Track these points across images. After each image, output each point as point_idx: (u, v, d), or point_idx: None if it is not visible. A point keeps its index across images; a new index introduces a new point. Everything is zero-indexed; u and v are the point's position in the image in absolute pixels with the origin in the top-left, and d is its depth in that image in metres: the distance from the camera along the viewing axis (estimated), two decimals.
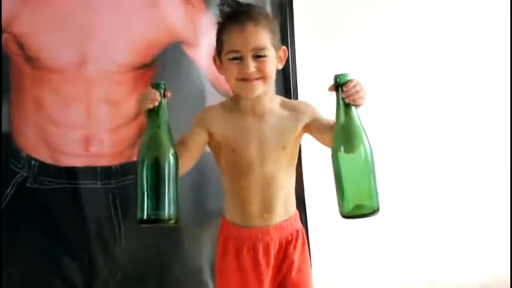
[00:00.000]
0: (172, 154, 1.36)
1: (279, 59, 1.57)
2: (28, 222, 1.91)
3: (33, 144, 1.92)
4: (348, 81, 1.39)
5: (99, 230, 1.95)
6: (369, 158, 1.37)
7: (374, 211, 1.37)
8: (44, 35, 1.90)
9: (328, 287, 2.16)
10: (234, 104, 1.60)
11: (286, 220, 1.63)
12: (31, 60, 1.90)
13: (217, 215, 1.73)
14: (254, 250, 1.60)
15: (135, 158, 1.40)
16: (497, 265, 2.40)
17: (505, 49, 2.36)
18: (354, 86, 1.38)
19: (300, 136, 1.62)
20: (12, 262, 1.90)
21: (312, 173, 2.10)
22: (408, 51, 2.29)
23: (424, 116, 2.32)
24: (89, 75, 1.92)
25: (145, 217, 1.34)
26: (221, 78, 1.62)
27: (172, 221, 1.36)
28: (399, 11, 2.30)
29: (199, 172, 1.83)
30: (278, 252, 1.62)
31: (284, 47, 1.60)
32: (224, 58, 1.53)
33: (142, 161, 1.35)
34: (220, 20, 1.56)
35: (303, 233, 1.67)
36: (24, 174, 1.91)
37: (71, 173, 1.93)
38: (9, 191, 1.91)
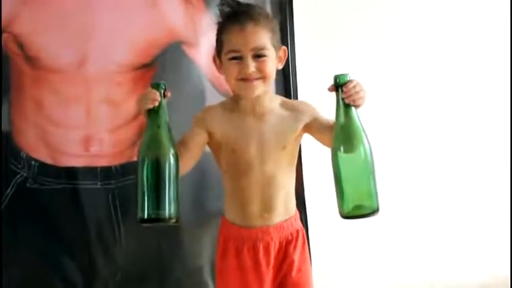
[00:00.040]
0: (172, 154, 1.36)
1: (279, 59, 1.58)
2: (28, 223, 1.91)
3: (33, 144, 1.92)
4: (348, 81, 1.39)
5: (99, 230, 1.94)
6: (369, 158, 1.37)
7: (374, 211, 1.37)
8: (43, 35, 1.90)
9: (328, 287, 2.16)
10: (234, 103, 1.60)
11: (286, 220, 1.63)
12: (31, 60, 1.90)
13: (217, 215, 1.73)
14: (254, 250, 1.60)
15: (135, 159, 1.40)
16: (497, 265, 2.40)
17: (505, 49, 2.36)
18: (354, 87, 1.38)
19: (300, 136, 1.62)
20: (12, 262, 1.90)
21: (312, 173, 2.10)
22: (408, 51, 2.29)
23: (424, 116, 2.31)
24: (89, 75, 1.92)
25: (146, 216, 1.35)
26: (221, 78, 1.62)
27: (172, 220, 1.36)
28: (399, 11, 2.30)
29: (200, 172, 1.83)
30: (278, 252, 1.62)
31: (284, 47, 1.60)
32: (224, 58, 1.53)
33: (143, 161, 1.35)
34: (220, 20, 1.56)
35: (303, 233, 1.67)
36: (24, 174, 1.91)
37: (71, 173, 1.93)
38: (9, 191, 1.90)
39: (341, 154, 1.38)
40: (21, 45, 1.89)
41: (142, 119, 1.42)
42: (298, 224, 1.68)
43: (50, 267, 1.93)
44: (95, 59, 1.93)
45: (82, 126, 1.93)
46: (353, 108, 1.39)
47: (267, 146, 1.57)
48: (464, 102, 2.35)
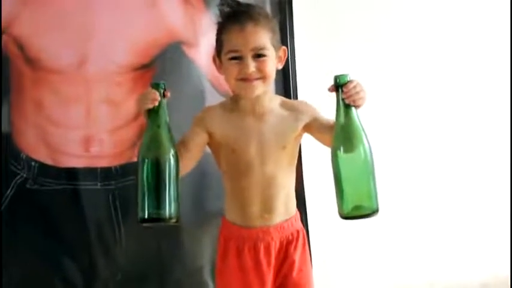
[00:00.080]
0: (172, 154, 1.37)
1: (279, 58, 1.57)
2: (28, 224, 1.90)
3: (33, 145, 1.91)
4: (348, 81, 1.39)
5: (99, 231, 1.94)
6: (369, 158, 1.37)
7: (373, 212, 1.37)
8: (43, 36, 1.90)
9: (329, 287, 2.15)
10: (234, 104, 1.60)
11: (286, 220, 1.63)
12: (31, 61, 1.90)
13: (217, 216, 1.73)
14: (255, 250, 1.60)
15: (135, 159, 1.41)
16: (497, 265, 2.40)
17: (505, 49, 2.36)
18: (354, 87, 1.39)
19: (300, 136, 1.62)
20: (13, 263, 1.90)
21: (312, 173, 2.10)
22: (408, 51, 2.29)
23: (423, 116, 2.32)
24: (89, 76, 1.92)
25: (146, 216, 1.35)
26: (221, 78, 1.62)
27: (173, 220, 1.36)
28: (399, 11, 2.30)
29: (200, 172, 1.82)
30: (279, 252, 1.62)
31: (284, 47, 1.60)
32: (224, 58, 1.53)
33: (143, 161, 1.36)
34: (220, 20, 1.56)
35: (303, 233, 1.67)
36: (24, 175, 1.91)
37: (71, 174, 1.93)
38: (9, 192, 1.90)
39: (341, 154, 1.38)
40: (21, 47, 1.89)
41: (143, 119, 1.42)
42: (299, 224, 1.67)
43: (50, 268, 1.93)
44: (95, 60, 1.93)
45: (82, 127, 1.93)
46: (353, 108, 1.39)
47: (267, 146, 1.57)
48: (464, 102, 2.35)
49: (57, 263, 1.92)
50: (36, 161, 1.91)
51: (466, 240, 2.38)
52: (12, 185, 1.90)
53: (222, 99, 1.74)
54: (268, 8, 2.03)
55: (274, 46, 1.53)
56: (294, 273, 1.62)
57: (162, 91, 1.39)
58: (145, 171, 1.35)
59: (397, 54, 2.28)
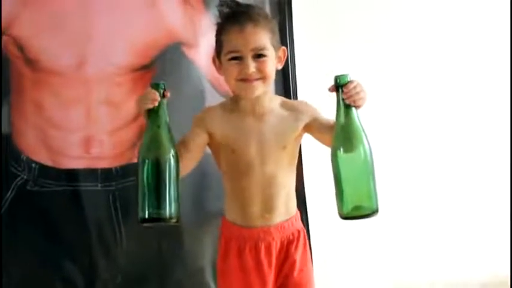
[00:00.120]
0: (172, 154, 1.37)
1: (279, 59, 1.57)
2: (28, 225, 1.91)
3: (34, 146, 1.92)
4: (348, 82, 1.39)
5: (100, 232, 1.94)
6: (369, 159, 1.38)
7: (373, 212, 1.37)
8: (43, 37, 1.91)
9: (330, 287, 2.16)
10: (234, 104, 1.60)
11: (287, 220, 1.63)
12: (31, 63, 1.90)
13: (217, 216, 1.72)
14: (256, 250, 1.59)
15: (135, 160, 1.41)
16: (497, 264, 2.39)
17: (505, 49, 2.36)
18: (354, 87, 1.39)
19: (300, 136, 1.62)
20: (13, 264, 1.90)
21: (313, 173, 2.10)
22: (408, 51, 2.29)
23: (423, 116, 2.31)
24: (89, 77, 1.92)
25: (146, 216, 1.35)
26: (221, 78, 1.62)
27: (173, 220, 1.36)
28: (399, 12, 2.30)
29: (200, 173, 1.83)
30: (280, 251, 1.61)
31: (283, 47, 1.60)
32: (224, 59, 1.53)
33: (143, 161, 1.36)
34: (219, 20, 1.56)
35: (304, 232, 1.67)
36: (25, 177, 1.91)
37: (72, 175, 1.93)
38: (10, 194, 1.90)
39: (341, 154, 1.38)
40: (21, 48, 1.90)
41: (143, 120, 1.42)
42: (299, 224, 1.67)
43: (51, 269, 1.93)
44: (95, 61, 1.93)
45: (82, 128, 1.93)
46: (353, 108, 1.39)
47: (267, 146, 1.57)
48: (464, 102, 2.35)
49: (57, 264, 1.93)
50: (36, 163, 1.92)
51: (466, 240, 2.37)
52: (12, 187, 1.91)
53: (222, 99, 1.75)
54: (267, 9, 2.04)
55: (274, 46, 1.53)
56: (295, 273, 1.62)
57: (162, 91, 1.39)
58: (145, 172, 1.35)
59: (397, 54, 2.28)
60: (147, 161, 1.36)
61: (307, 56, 2.13)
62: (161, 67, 1.97)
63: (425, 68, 2.31)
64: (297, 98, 2.08)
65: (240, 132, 1.57)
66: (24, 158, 1.91)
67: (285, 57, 1.61)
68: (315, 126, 1.58)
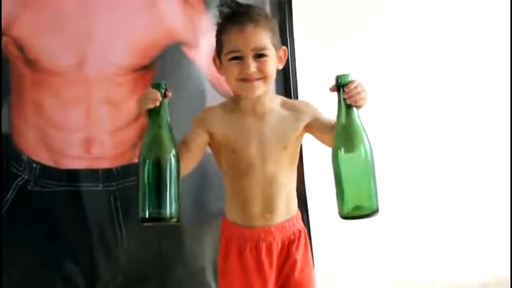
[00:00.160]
0: (173, 154, 1.37)
1: (279, 58, 1.57)
2: (29, 225, 1.90)
3: (34, 147, 1.91)
4: (350, 82, 1.39)
5: (101, 232, 1.94)
6: (369, 159, 1.38)
7: (373, 212, 1.37)
8: (43, 38, 1.90)
9: (331, 287, 2.16)
10: (234, 104, 1.60)
11: (288, 220, 1.63)
12: (31, 63, 1.90)
13: (218, 216, 1.72)
14: (257, 250, 1.59)
15: (136, 160, 1.41)
16: (497, 264, 2.40)
17: (505, 49, 2.36)
18: (356, 87, 1.39)
19: (301, 136, 1.62)
20: (14, 264, 1.89)
21: (314, 173, 2.10)
22: (408, 51, 2.30)
23: (424, 116, 2.32)
24: (89, 77, 1.92)
25: (147, 216, 1.35)
26: (221, 78, 1.62)
27: (173, 220, 1.36)
28: (399, 11, 2.30)
29: (200, 173, 1.83)
30: (281, 251, 1.61)
31: (284, 47, 1.60)
32: (224, 59, 1.53)
33: (144, 161, 1.36)
34: (219, 20, 1.56)
35: (305, 233, 1.67)
36: (26, 177, 1.91)
37: (72, 175, 1.93)
38: (11, 194, 1.90)
39: (342, 154, 1.38)
40: (21, 48, 1.90)
41: (143, 120, 1.42)
42: (300, 224, 1.67)
43: (52, 269, 1.92)
44: (95, 61, 1.93)
45: (83, 128, 1.93)
46: (354, 108, 1.39)
47: (267, 146, 1.57)
48: (464, 102, 2.35)
49: (58, 264, 1.92)
50: (37, 163, 1.91)
51: (466, 240, 2.38)
52: (13, 187, 1.90)
53: (222, 99, 1.74)
54: (267, 8, 2.04)
55: (274, 46, 1.53)
56: (296, 273, 1.62)
57: (163, 91, 1.39)
58: (146, 171, 1.35)
59: (398, 54, 2.28)
60: (148, 160, 1.36)
61: (308, 56, 2.13)
62: (161, 67, 1.97)
63: (426, 68, 2.32)
64: (297, 98, 2.08)
65: (241, 132, 1.57)
66: (25, 158, 1.91)
67: (286, 57, 1.61)
68: (315, 126, 1.58)
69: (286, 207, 1.62)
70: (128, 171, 1.94)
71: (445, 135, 2.34)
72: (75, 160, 1.93)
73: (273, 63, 1.53)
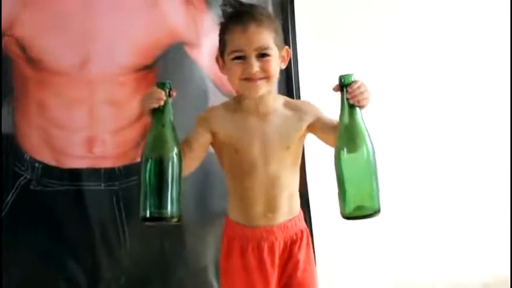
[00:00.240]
0: (176, 153, 1.36)
1: (282, 58, 1.57)
2: (32, 225, 1.90)
3: (37, 146, 1.91)
4: (353, 82, 1.39)
5: (103, 231, 1.94)
6: (371, 159, 1.38)
7: (375, 212, 1.37)
8: (45, 37, 1.90)
9: (333, 287, 2.16)
10: (237, 104, 1.60)
11: (290, 220, 1.63)
12: (33, 63, 1.90)
13: (220, 215, 1.72)
14: (259, 249, 1.59)
15: (138, 160, 1.41)
16: (498, 264, 2.40)
17: (505, 49, 2.37)
18: (359, 87, 1.39)
19: (304, 136, 1.62)
20: (15, 264, 1.89)
21: (316, 173, 2.10)
22: (410, 51, 2.30)
23: (425, 116, 2.32)
24: (91, 77, 1.92)
25: (148, 215, 1.35)
26: (224, 78, 1.62)
27: (175, 220, 1.36)
28: (403, 11, 2.31)
29: (203, 172, 1.82)
30: (283, 251, 1.62)
31: (287, 47, 1.60)
32: (227, 58, 1.53)
33: (147, 160, 1.36)
34: (222, 20, 1.56)
35: (307, 233, 1.67)
36: (28, 176, 1.91)
37: (75, 174, 1.93)
38: (13, 193, 1.90)
39: (344, 154, 1.38)
40: (23, 48, 1.89)
41: (146, 119, 1.42)
42: (303, 224, 1.67)
43: (54, 269, 1.92)
44: (97, 61, 1.93)
45: (85, 128, 1.93)
46: (357, 108, 1.39)
47: (270, 146, 1.57)
48: (465, 101, 2.36)
49: (60, 263, 1.92)
50: (39, 162, 1.91)
51: (466, 240, 2.38)
52: (15, 186, 1.90)
53: (225, 99, 1.74)
54: (270, 8, 2.04)
55: (277, 46, 1.53)
56: (299, 273, 1.62)
57: (167, 90, 1.39)
58: (148, 170, 1.35)
59: (401, 54, 2.28)
60: (150, 160, 1.35)
61: (310, 56, 2.13)
62: (164, 67, 1.97)
63: (429, 68, 2.32)
64: (299, 98, 2.08)
65: (243, 132, 1.57)
66: (28, 157, 1.91)
67: (289, 57, 1.61)
68: (318, 126, 1.58)
69: (288, 207, 1.62)
70: (130, 170, 1.94)
71: (445, 135, 2.34)
72: (77, 159, 1.93)
73: (276, 63, 1.53)
